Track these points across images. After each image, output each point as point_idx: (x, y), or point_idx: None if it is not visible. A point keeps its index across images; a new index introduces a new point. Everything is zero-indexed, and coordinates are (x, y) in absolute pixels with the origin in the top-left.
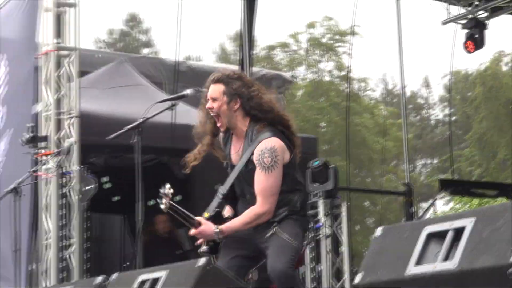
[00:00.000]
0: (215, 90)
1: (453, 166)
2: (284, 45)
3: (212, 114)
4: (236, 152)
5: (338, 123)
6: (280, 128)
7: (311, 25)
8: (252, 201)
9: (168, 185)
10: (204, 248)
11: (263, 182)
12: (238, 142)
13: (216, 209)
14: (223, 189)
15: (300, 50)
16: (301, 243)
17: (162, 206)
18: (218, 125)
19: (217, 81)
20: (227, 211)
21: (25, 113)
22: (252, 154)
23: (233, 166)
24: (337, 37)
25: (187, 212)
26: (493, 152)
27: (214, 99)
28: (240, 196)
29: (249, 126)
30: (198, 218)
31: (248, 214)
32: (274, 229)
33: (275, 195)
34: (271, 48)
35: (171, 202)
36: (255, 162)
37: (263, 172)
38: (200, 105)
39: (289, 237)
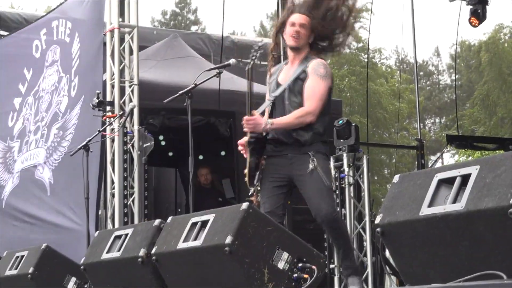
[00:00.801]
0: (304, 17)
1: (458, 124)
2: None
3: (294, 35)
4: (286, 74)
5: (357, 88)
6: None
7: None
8: (291, 109)
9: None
10: (252, 135)
11: (316, 87)
12: (291, 67)
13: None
14: (271, 97)
15: None
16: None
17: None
18: (294, 42)
19: (305, 14)
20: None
21: (95, 82)
22: (306, 68)
23: (278, 85)
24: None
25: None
26: (493, 112)
27: (302, 25)
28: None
29: (308, 53)
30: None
31: (297, 112)
32: (313, 163)
33: (322, 101)
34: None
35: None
36: (310, 71)
37: (317, 78)
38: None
39: (326, 178)
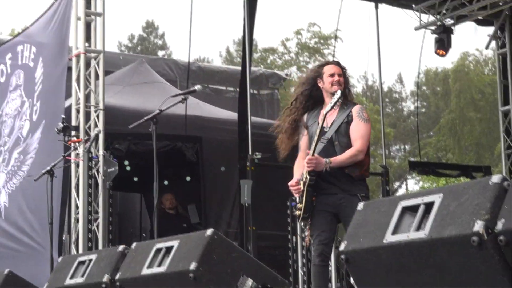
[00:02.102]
0: (339, 69)
1: (420, 150)
2: (274, 50)
3: (336, 84)
4: (330, 116)
5: None
6: None
7: (298, 32)
8: (341, 148)
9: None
10: (313, 176)
11: (363, 129)
12: (330, 113)
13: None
14: (326, 137)
15: (290, 53)
16: None
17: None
18: (339, 87)
19: (338, 64)
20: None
21: (57, 106)
22: (350, 112)
23: (322, 128)
24: (321, 41)
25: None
26: (460, 139)
27: (340, 75)
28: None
29: (345, 101)
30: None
31: (350, 151)
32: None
33: (368, 142)
34: (265, 51)
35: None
36: (355, 115)
37: (363, 122)
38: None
39: None
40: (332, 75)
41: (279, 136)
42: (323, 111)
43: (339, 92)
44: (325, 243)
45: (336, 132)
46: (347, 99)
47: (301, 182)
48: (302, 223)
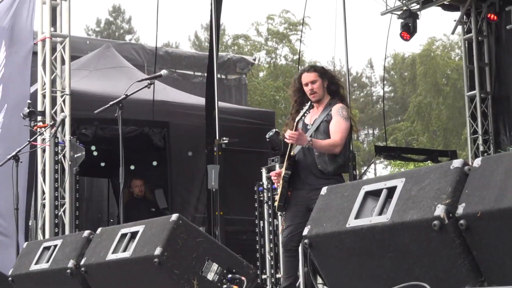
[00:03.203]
0: (310, 75)
1: (386, 135)
2: (246, 36)
3: (310, 93)
4: (313, 117)
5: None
6: None
7: (270, 18)
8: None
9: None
10: (288, 173)
11: (341, 125)
12: (317, 112)
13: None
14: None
15: (260, 38)
16: None
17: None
18: (313, 98)
19: (310, 70)
20: None
21: (21, 91)
22: (330, 111)
23: (306, 125)
24: (291, 27)
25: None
26: (428, 124)
27: (313, 82)
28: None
29: (330, 100)
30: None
31: (329, 140)
32: None
33: (345, 138)
34: (236, 37)
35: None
36: (335, 113)
37: (342, 119)
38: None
39: None
40: (306, 85)
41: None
42: (297, 118)
43: (307, 105)
44: (291, 235)
45: (315, 131)
46: (331, 99)
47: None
48: (279, 213)
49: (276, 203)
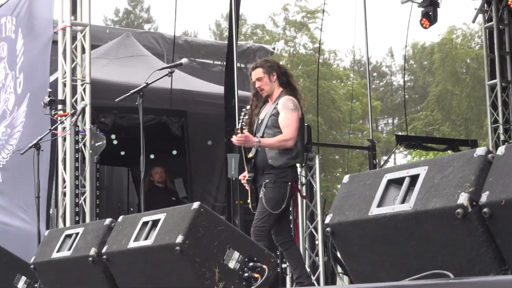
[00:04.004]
0: (256, 73)
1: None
2: (264, 27)
3: (259, 90)
4: (265, 111)
5: (311, 88)
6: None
7: (285, 8)
8: None
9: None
10: (250, 175)
11: (289, 119)
12: (268, 106)
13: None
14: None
15: (278, 27)
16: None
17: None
18: (263, 94)
19: (255, 67)
20: None
21: (41, 80)
22: (276, 105)
23: (261, 120)
24: (308, 15)
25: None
26: (448, 113)
27: (259, 79)
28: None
29: (280, 93)
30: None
31: (280, 137)
32: (262, 193)
33: (296, 130)
34: (255, 26)
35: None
36: (281, 107)
37: (289, 111)
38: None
39: (267, 205)
40: (254, 83)
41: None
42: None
43: (242, 113)
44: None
45: (266, 127)
46: (282, 92)
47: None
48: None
49: (250, 205)
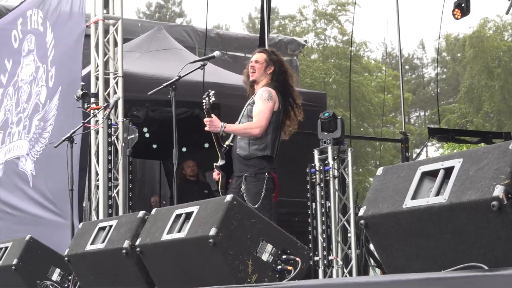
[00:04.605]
0: (259, 55)
1: (439, 117)
2: (293, 18)
3: (251, 70)
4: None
5: (341, 81)
6: (289, 100)
7: (314, 0)
8: None
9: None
10: (221, 163)
11: (259, 108)
12: (254, 94)
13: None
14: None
15: (307, 20)
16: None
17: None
18: (251, 76)
19: (261, 51)
20: None
21: (73, 73)
22: (254, 96)
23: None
24: (339, 7)
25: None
26: (479, 106)
27: (257, 61)
28: None
29: (264, 84)
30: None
31: (245, 124)
32: (243, 186)
33: (266, 120)
34: (283, 18)
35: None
36: (257, 97)
37: (261, 101)
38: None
39: (249, 200)
40: (251, 62)
41: None
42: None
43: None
44: None
45: (242, 116)
46: (266, 84)
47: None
48: None
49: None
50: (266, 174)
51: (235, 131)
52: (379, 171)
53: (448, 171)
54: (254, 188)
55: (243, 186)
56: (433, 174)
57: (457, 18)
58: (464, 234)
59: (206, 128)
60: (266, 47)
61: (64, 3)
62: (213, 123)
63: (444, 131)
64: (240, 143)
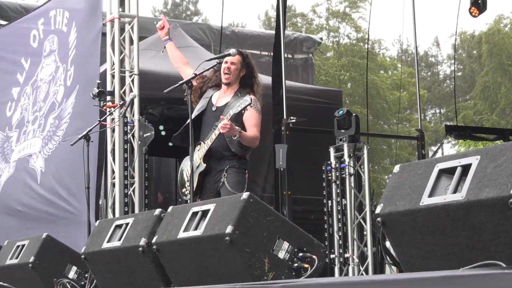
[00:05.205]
0: (236, 59)
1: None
2: (304, 16)
3: (225, 71)
4: (220, 99)
5: (356, 78)
6: None
7: None
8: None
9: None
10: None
11: (256, 120)
12: (225, 95)
13: None
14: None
15: (321, 18)
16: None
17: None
18: (226, 78)
19: (240, 54)
20: None
21: (90, 72)
22: (245, 103)
23: (217, 108)
24: (351, 5)
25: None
26: (494, 103)
27: (233, 63)
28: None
29: (238, 89)
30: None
31: (252, 134)
32: (224, 178)
33: (259, 132)
34: (294, 16)
35: None
36: (250, 106)
37: (256, 112)
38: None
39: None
40: (226, 63)
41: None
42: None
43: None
44: None
45: (229, 119)
46: (245, 88)
47: (188, 165)
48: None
49: (188, 196)
50: (247, 170)
51: (246, 139)
52: (396, 168)
53: (466, 168)
54: (237, 177)
55: (223, 177)
56: (450, 171)
57: (474, 16)
58: (482, 231)
59: (223, 131)
60: (244, 51)
61: (85, 2)
62: (232, 127)
63: (461, 128)
64: (231, 143)
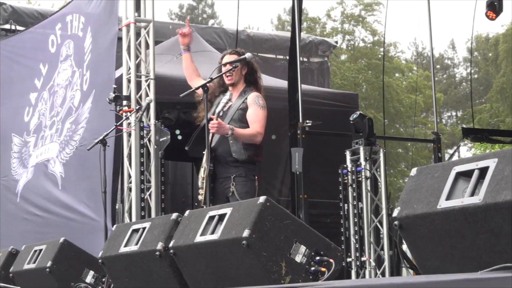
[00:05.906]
0: (232, 57)
1: (473, 117)
2: (318, 20)
3: (227, 74)
4: (228, 102)
5: (372, 81)
6: None
7: (341, 2)
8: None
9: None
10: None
11: (258, 115)
12: (233, 97)
13: None
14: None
15: (336, 22)
16: None
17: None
18: (228, 80)
19: (234, 53)
20: None
21: (106, 76)
22: (245, 100)
23: (223, 112)
24: (367, 8)
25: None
26: (510, 105)
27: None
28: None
29: (243, 88)
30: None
31: (251, 129)
32: (233, 187)
33: (263, 128)
34: (310, 20)
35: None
36: (251, 102)
37: (259, 108)
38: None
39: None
40: (225, 65)
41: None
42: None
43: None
44: None
45: (231, 119)
46: (246, 87)
47: (201, 170)
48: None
49: (201, 199)
50: (256, 176)
51: (241, 136)
52: (413, 171)
53: (483, 171)
54: (245, 187)
55: (232, 186)
56: (467, 174)
57: (492, 19)
58: (500, 234)
59: (212, 131)
60: (237, 49)
61: (101, 8)
62: (222, 126)
63: (478, 131)
64: (233, 147)
